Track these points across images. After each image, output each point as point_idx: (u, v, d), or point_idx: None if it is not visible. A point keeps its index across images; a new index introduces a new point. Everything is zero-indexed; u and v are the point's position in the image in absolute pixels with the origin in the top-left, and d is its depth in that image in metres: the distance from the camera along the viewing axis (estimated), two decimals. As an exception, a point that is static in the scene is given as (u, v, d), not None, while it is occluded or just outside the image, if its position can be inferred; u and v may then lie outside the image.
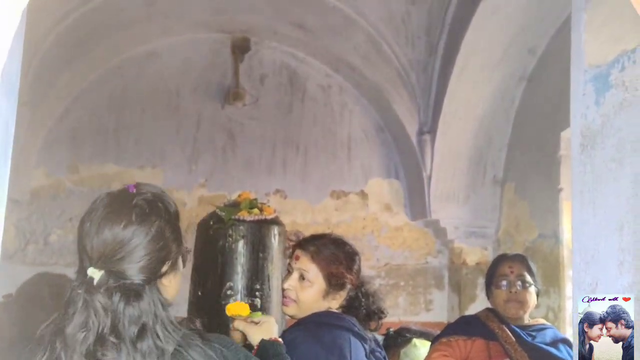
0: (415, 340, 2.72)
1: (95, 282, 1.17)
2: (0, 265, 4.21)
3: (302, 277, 1.83)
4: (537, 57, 4.24)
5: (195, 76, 4.72)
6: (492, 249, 4.72)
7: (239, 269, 2.74)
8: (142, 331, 1.18)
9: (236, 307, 1.79)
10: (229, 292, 2.70)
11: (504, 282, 2.43)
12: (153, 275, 1.23)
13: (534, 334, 2.39)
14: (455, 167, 4.61)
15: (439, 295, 4.85)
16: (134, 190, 1.29)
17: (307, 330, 1.75)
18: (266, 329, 1.68)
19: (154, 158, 4.58)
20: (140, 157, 4.56)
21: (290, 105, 4.86)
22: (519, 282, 2.42)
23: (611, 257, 1.10)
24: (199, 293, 2.75)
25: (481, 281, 3.87)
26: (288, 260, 1.96)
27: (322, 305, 1.83)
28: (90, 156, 4.50)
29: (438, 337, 2.45)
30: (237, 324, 1.73)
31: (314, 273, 1.83)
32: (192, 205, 4.55)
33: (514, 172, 4.55)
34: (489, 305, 2.56)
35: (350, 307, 1.89)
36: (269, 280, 2.78)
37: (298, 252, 1.88)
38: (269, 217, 2.84)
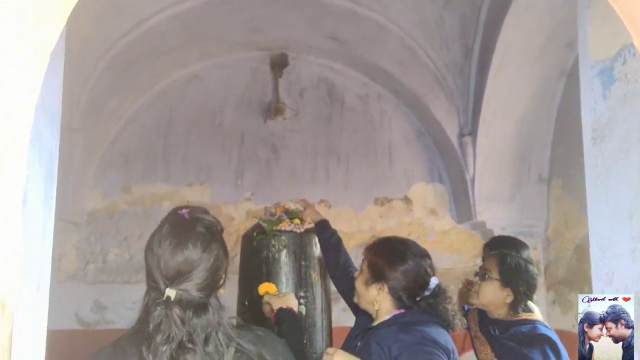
0: None
1: (172, 299, 1.39)
2: (64, 284, 4.46)
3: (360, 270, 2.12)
4: (576, 51, 4.18)
5: (237, 94, 4.86)
6: (541, 248, 4.65)
7: (283, 278, 2.82)
8: (208, 337, 1.41)
9: (266, 287, 2.42)
10: (274, 301, 2.78)
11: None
12: (214, 289, 1.48)
13: (508, 328, 2.37)
14: (499, 167, 4.57)
15: (490, 297, 4.79)
16: (188, 216, 1.51)
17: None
18: (284, 300, 2.18)
19: (201, 175, 4.74)
20: (188, 175, 4.73)
21: (329, 116, 4.94)
22: (481, 275, 2.47)
23: (624, 245, 1.12)
24: (246, 302, 2.84)
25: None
26: None
27: (369, 296, 2.03)
28: (142, 177, 4.70)
29: None
30: (266, 297, 2.28)
31: (364, 263, 2.09)
32: (240, 219, 4.68)
33: (560, 168, 4.48)
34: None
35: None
36: (312, 288, 2.84)
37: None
38: (310, 226, 2.92)
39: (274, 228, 2.87)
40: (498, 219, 4.63)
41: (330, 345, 2.94)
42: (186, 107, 4.80)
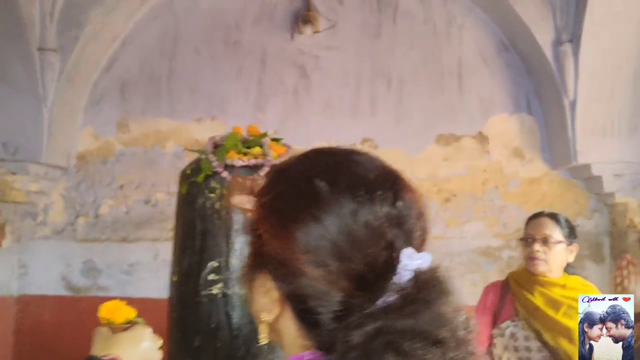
0: None
1: None
2: (50, 242, 3.73)
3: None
4: None
5: (257, 3, 3.83)
6: (675, 203, 3.28)
7: (227, 241, 1.79)
8: None
9: (110, 309, 1.18)
10: (211, 277, 1.76)
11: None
12: None
13: None
14: (611, 86, 3.27)
15: (596, 270, 3.52)
16: None
17: None
18: (115, 340, 1.10)
19: (212, 108, 3.79)
20: (196, 108, 3.79)
21: (378, 28, 3.79)
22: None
23: None
24: (174, 278, 1.86)
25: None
26: None
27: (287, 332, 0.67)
28: (142, 111, 3.82)
29: None
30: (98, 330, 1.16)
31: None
32: (259, 162, 3.69)
33: None
34: None
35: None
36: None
37: None
38: (275, 160, 1.84)
39: (214, 165, 1.82)
40: (609, 162, 3.34)
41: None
42: (195, 21, 3.83)
